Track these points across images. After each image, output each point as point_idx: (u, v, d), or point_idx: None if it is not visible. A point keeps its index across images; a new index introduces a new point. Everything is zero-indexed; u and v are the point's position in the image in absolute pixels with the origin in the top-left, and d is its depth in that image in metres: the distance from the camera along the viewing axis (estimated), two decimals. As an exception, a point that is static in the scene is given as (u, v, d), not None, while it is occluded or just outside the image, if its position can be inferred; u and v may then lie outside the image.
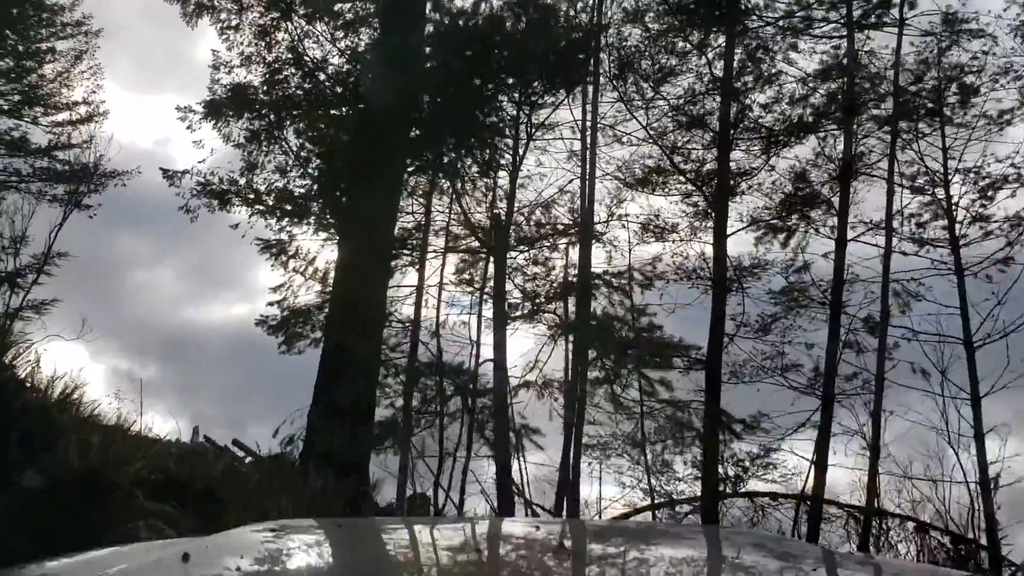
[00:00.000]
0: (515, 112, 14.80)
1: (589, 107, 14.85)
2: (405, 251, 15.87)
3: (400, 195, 13.35)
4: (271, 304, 16.32)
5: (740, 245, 14.97)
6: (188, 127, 13.56)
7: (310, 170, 14.03)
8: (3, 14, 22.86)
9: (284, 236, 15.46)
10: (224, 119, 13.44)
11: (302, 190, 14.41)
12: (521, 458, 15.05)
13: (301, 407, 12.29)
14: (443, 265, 16.62)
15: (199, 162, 13.87)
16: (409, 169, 13.92)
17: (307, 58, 13.75)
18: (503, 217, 15.19)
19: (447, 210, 16.40)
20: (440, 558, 1.75)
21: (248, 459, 14.06)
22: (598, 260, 15.52)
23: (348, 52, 13.89)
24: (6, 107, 24.73)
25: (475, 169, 14.79)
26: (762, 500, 14.37)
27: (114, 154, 15.69)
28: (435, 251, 16.53)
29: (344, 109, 13.81)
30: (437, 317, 16.14)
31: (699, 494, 13.95)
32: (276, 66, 13.66)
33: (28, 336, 9.86)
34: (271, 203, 14.02)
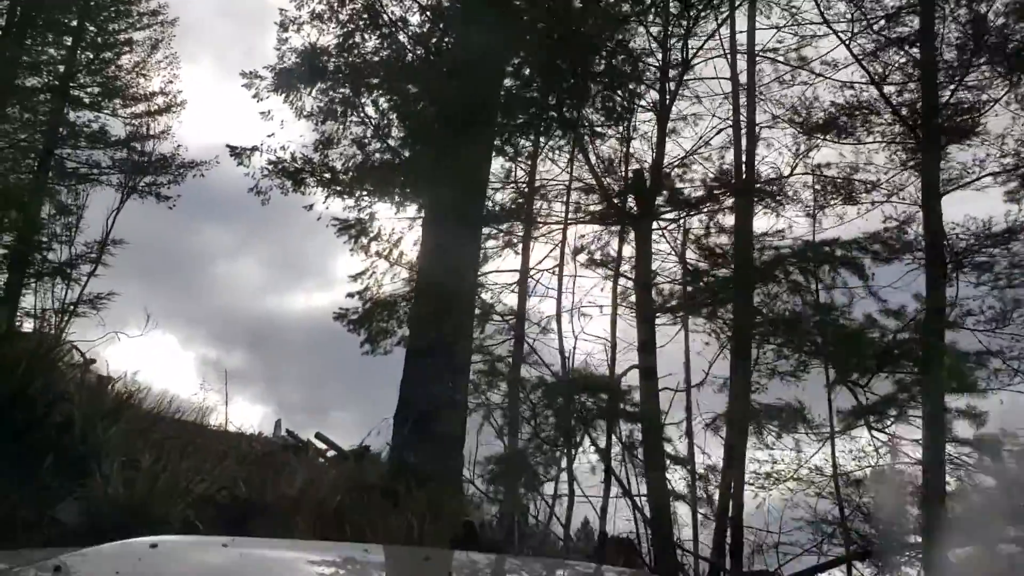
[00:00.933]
0: (660, 36, 11.49)
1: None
2: (500, 228, 13.63)
3: (489, 164, 11.60)
4: (351, 295, 14.38)
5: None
6: (255, 95, 12.20)
7: (390, 142, 12.39)
8: (83, 8, 22.55)
9: (364, 215, 13.71)
10: (295, 88, 12.00)
11: (383, 163, 12.56)
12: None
13: (388, 408, 10.83)
14: (563, 241, 13.85)
15: (268, 136, 12.41)
16: (513, 124, 11.92)
17: (385, 17, 12.22)
18: (646, 174, 11.64)
19: (567, 171, 13.74)
20: None
21: (331, 453, 13.27)
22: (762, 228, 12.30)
23: (430, 8, 12.27)
24: (86, 100, 24.48)
25: (604, 117, 12.05)
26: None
27: (192, 144, 14.51)
28: (547, 225, 13.92)
29: (427, 72, 12.02)
30: (558, 308, 13.47)
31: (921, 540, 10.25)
32: (350, 27, 12.20)
33: (74, 333, 8.99)
34: (348, 179, 12.46)
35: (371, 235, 13.39)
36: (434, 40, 12.06)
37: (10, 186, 12.81)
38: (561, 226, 13.67)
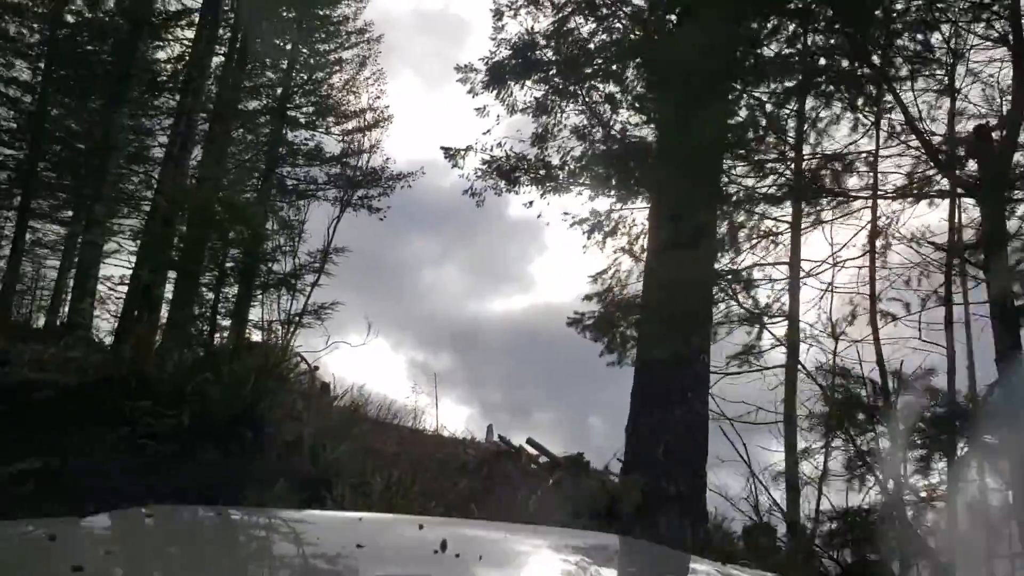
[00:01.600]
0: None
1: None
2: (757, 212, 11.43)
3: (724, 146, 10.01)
4: (588, 298, 13.08)
5: None
6: (470, 91, 11.68)
7: (614, 130, 11.34)
8: (297, 31, 23.56)
9: (600, 208, 12.44)
10: (511, 79, 11.31)
11: (609, 152, 11.38)
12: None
13: (591, 409, 9.75)
14: (873, 219, 11.42)
15: (484, 133, 11.84)
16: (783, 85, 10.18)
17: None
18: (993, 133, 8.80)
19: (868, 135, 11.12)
20: (320, 552, 1.70)
21: (543, 459, 12.63)
22: None
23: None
24: (302, 120, 25.65)
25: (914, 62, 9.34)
26: None
27: (397, 156, 14.33)
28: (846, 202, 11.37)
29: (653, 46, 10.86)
30: (873, 307, 11.26)
31: None
32: (566, 11, 11.40)
33: (299, 345, 8.78)
34: (567, 172, 11.54)
35: (606, 229, 12.23)
36: (654, 18, 11.00)
37: (238, 203, 13.16)
38: (863, 203, 11.35)
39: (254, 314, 14.19)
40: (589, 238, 12.34)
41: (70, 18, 23.81)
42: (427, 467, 10.49)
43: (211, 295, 10.19)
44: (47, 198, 24.89)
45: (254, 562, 1.61)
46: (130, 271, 19.94)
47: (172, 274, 13.34)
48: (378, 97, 24.38)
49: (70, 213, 25.34)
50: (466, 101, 12.49)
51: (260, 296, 9.76)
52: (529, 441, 13.57)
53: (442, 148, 11.82)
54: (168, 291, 14.20)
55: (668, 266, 9.65)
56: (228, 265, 9.78)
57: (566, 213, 12.35)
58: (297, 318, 8.40)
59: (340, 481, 5.83)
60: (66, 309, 26.74)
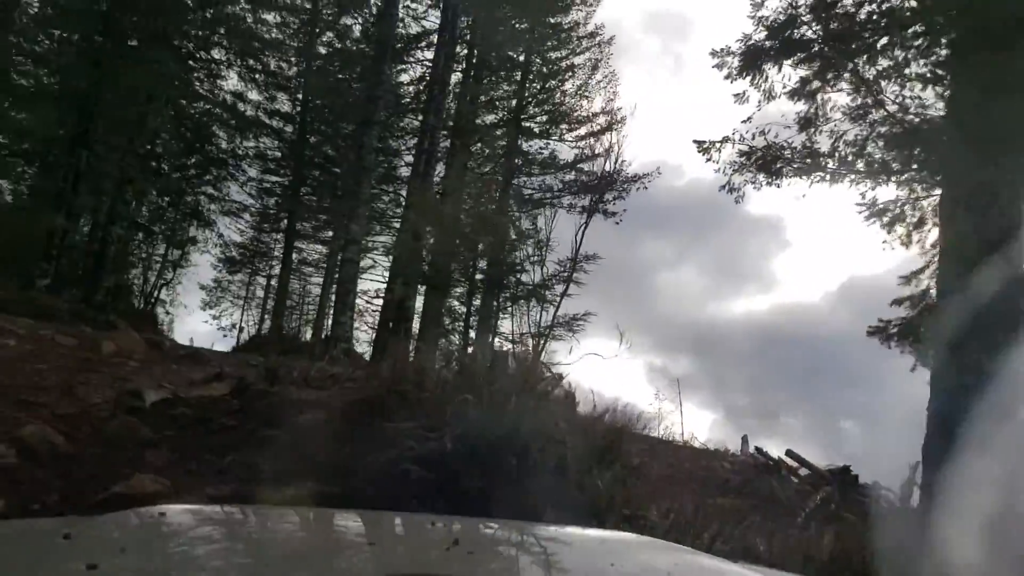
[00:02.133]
0: None
1: None
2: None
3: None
4: (897, 302, 11.75)
5: None
6: (727, 76, 10.67)
7: (895, 111, 9.81)
8: (529, 42, 23.69)
9: (902, 196, 10.89)
10: (770, 62, 10.20)
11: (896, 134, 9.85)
12: None
13: (842, 413, 8.37)
14: None
15: (743, 121, 10.81)
16: None
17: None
18: None
19: None
20: (331, 549, 1.72)
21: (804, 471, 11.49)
22: None
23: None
24: (536, 129, 25.80)
25: None
26: None
27: (630, 157, 13.67)
28: None
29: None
30: None
31: None
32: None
33: (555, 355, 8.31)
34: (841, 159, 10.17)
35: (910, 220, 10.65)
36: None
37: (486, 215, 13.12)
38: None
39: (503, 326, 14.17)
40: (889, 232, 10.85)
41: (322, 49, 25.63)
42: (690, 486, 9.81)
43: (462, 308, 9.96)
44: (310, 220, 26.71)
45: (266, 559, 1.60)
46: (384, 285, 21.09)
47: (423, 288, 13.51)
48: (611, 99, 23.96)
49: (330, 233, 27.09)
50: (704, 94, 11.51)
51: (510, 308, 9.38)
52: (789, 453, 12.44)
53: (695, 142, 10.94)
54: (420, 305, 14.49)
55: (964, 265, 8.16)
56: (477, 277, 9.49)
57: (859, 203, 10.87)
58: (548, 330, 8.02)
59: (613, 514, 5.21)
60: (329, 323, 28.87)
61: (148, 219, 22.58)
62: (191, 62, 16.66)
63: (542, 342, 8.31)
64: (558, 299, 8.88)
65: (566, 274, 9.22)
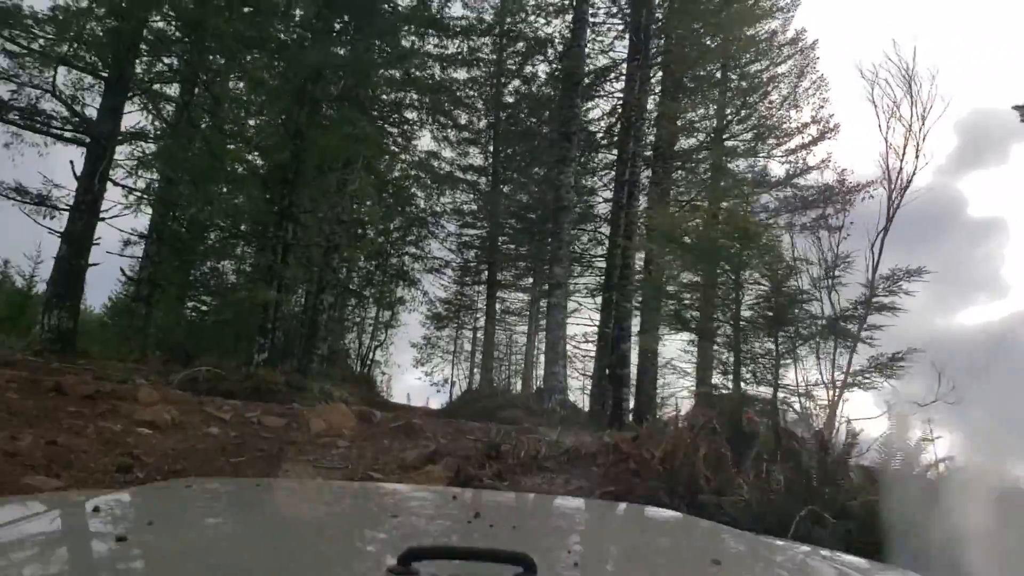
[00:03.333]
0: None
1: None
2: None
3: None
4: None
5: None
6: None
7: None
8: (727, 57, 22.08)
9: None
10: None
11: None
12: None
13: None
14: None
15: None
16: None
17: None
18: None
19: None
20: (354, 522, 1.77)
21: None
22: None
23: None
24: (740, 148, 23.95)
25: None
26: None
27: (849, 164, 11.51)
28: None
29: None
30: None
31: None
32: None
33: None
34: None
35: None
36: None
37: (751, 229, 11.59)
38: None
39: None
40: None
41: (509, 99, 25.25)
42: None
43: (727, 353, 8.31)
44: (509, 269, 26.18)
45: (291, 531, 1.57)
46: (594, 328, 20.00)
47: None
48: (821, 107, 21.81)
49: (530, 280, 26.43)
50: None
51: (797, 350, 7.61)
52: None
53: (1015, 107, 8.84)
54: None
55: None
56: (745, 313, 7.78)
57: None
58: (854, 377, 6.26)
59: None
60: (539, 372, 28.12)
61: (358, 284, 22.84)
62: (385, 124, 16.40)
63: (839, 392, 6.58)
64: (857, 332, 7.02)
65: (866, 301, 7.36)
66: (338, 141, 13.78)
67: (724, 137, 23.07)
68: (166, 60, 17.05)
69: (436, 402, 29.98)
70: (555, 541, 1.74)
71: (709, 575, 1.45)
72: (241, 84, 16.69)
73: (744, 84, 23.00)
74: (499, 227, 24.94)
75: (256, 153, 16.62)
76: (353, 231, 17.64)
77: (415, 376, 27.95)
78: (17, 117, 13.88)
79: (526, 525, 1.85)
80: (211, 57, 17.76)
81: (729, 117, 23.28)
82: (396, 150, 18.93)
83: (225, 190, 16.79)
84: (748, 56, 22.74)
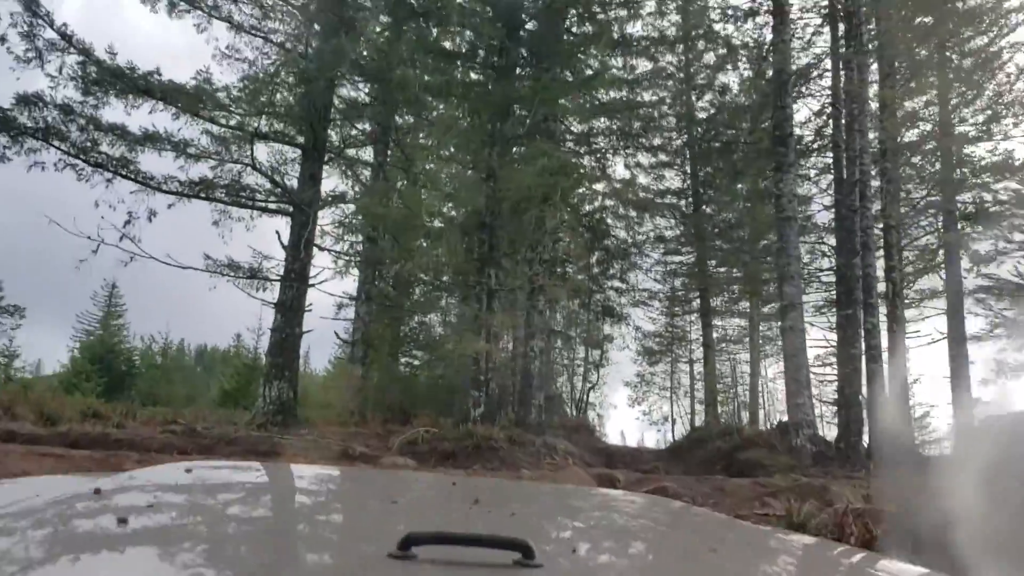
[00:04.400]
0: None
1: None
2: None
3: None
4: None
5: None
6: None
7: None
8: (944, 38, 19.35)
9: None
10: None
11: None
12: None
13: None
14: None
15: None
16: None
17: None
18: None
19: None
20: (355, 507, 1.78)
21: None
22: None
23: None
24: (972, 133, 20.90)
25: None
26: None
27: None
28: None
29: None
30: None
31: None
32: None
33: None
34: None
35: None
36: None
37: None
38: None
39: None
40: None
41: (701, 114, 23.49)
42: None
43: None
44: (721, 294, 24.11)
45: (290, 514, 1.60)
46: (826, 350, 17.61)
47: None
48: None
49: (746, 304, 24.23)
50: None
51: None
52: None
53: None
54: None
55: None
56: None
57: None
58: None
59: None
60: (767, 403, 25.70)
61: (563, 325, 21.72)
62: (579, 155, 15.22)
63: None
64: None
65: None
66: (533, 177, 12.74)
67: (952, 122, 20.20)
68: (358, 126, 16.99)
69: (650, 438, 28.24)
70: (553, 528, 1.73)
71: (704, 563, 1.43)
72: (430, 139, 16.22)
73: (966, 63, 20.13)
74: (707, 250, 23.06)
75: (450, 204, 16.07)
76: (554, 270, 16.53)
77: (633, 415, 26.45)
78: (223, 194, 13.95)
79: (525, 512, 1.83)
80: (399, 117, 17.52)
81: (956, 100, 20.38)
82: (595, 177, 17.61)
83: (424, 243, 16.30)
84: (969, 31, 19.89)
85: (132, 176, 12.79)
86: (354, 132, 17.00)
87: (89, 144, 12.15)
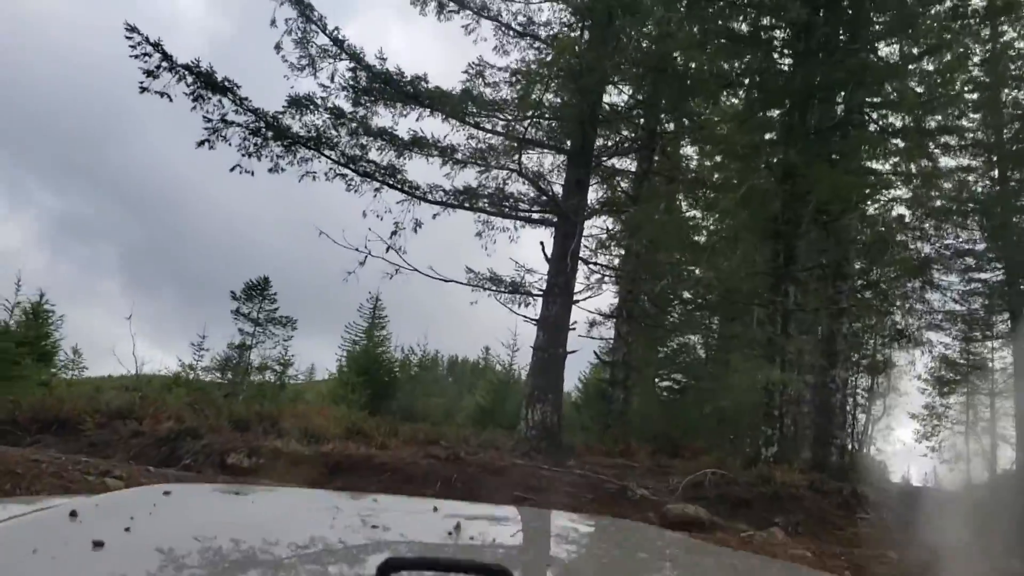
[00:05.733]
0: None
1: None
2: None
3: None
4: None
5: None
6: None
7: None
8: None
9: None
10: None
11: None
12: None
13: None
14: None
15: None
16: None
17: None
18: None
19: None
20: (341, 535, 1.65)
21: None
22: None
23: None
24: None
25: None
26: None
27: None
28: None
29: None
30: None
31: None
32: None
33: None
34: None
35: None
36: None
37: None
38: None
39: None
40: None
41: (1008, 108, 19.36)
42: None
43: None
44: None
45: (269, 539, 1.50)
46: None
47: None
48: None
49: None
50: None
51: None
52: None
53: None
54: None
55: None
56: None
57: None
58: None
59: None
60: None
61: (846, 348, 18.57)
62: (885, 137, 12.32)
63: None
64: None
65: None
66: (845, 176, 10.27)
67: None
68: (624, 132, 15.31)
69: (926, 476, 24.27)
70: (534, 554, 1.68)
71: None
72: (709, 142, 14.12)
73: None
74: (1020, 267, 18.91)
75: (716, 216, 13.91)
76: (855, 286, 13.74)
77: (919, 451, 22.62)
78: (487, 204, 12.74)
79: (506, 538, 1.76)
80: (666, 119, 15.59)
81: None
82: (890, 181, 14.50)
83: (691, 258, 14.24)
84: None
85: (399, 185, 11.89)
86: (618, 139, 15.35)
87: (358, 152, 11.37)
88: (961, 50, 12.14)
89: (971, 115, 18.52)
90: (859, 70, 10.28)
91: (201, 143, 11.33)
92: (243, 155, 11.35)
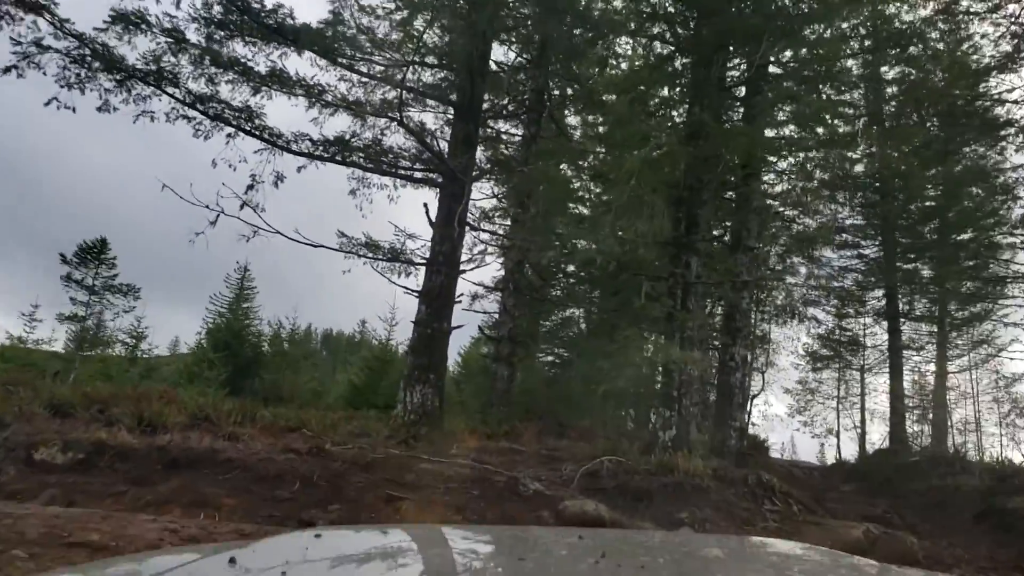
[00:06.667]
0: None
1: None
2: None
3: None
4: None
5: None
6: None
7: None
8: None
9: None
10: None
11: None
12: None
13: None
14: None
15: None
16: None
17: None
18: None
19: None
20: (491, 570, 1.62)
21: None
22: None
23: None
24: None
25: None
26: None
27: None
28: None
29: None
30: None
31: None
32: None
33: None
34: None
35: None
36: None
37: None
38: None
39: None
40: None
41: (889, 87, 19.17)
42: None
43: None
44: (912, 295, 19.78)
45: None
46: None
47: None
48: None
49: (933, 308, 19.83)
50: None
51: None
52: None
53: None
54: None
55: None
56: None
57: None
58: None
59: None
60: (948, 420, 21.23)
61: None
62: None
63: None
64: None
65: None
66: (758, 136, 9.21)
67: None
68: (511, 95, 13.84)
69: (804, 453, 24.45)
70: None
71: None
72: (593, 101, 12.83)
73: None
74: (895, 244, 18.86)
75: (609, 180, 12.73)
76: (763, 260, 12.88)
77: (792, 426, 22.64)
78: (362, 158, 10.97)
79: (654, 564, 1.67)
80: (554, 84, 14.21)
81: None
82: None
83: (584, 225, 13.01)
84: None
85: (256, 131, 9.95)
86: (507, 99, 13.88)
87: (206, 89, 9.35)
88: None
89: (855, 91, 18.18)
90: (769, 20, 9.19)
91: (7, 69, 9.05)
92: (62, 86, 9.15)
